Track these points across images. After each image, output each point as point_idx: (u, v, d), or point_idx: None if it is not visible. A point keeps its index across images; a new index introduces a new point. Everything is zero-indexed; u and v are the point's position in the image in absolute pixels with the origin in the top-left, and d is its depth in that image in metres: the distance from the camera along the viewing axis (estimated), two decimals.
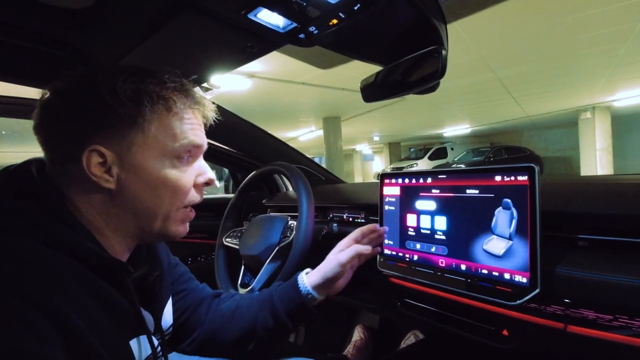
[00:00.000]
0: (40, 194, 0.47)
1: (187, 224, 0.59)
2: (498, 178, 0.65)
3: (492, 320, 0.69)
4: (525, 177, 0.61)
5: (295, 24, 0.57)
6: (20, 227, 0.42)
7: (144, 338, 0.54)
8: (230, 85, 4.66)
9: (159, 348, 0.58)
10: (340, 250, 0.76)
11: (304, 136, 10.93)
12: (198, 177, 0.56)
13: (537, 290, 0.57)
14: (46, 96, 0.49)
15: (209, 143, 0.61)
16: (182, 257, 1.64)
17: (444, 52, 0.61)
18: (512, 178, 0.63)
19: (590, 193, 0.70)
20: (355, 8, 0.52)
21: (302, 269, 0.76)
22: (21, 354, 0.33)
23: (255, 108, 6.41)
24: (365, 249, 0.76)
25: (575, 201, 0.66)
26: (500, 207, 0.64)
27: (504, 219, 0.63)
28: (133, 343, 0.52)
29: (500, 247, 0.63)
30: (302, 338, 1.52)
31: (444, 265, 0.73)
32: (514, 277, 0.60)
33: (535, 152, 11.96)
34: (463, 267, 0.69)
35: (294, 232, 0.86)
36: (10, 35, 0.70)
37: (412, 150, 16.39)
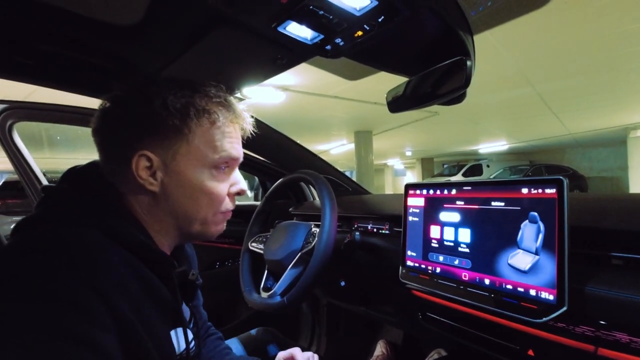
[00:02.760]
0: (102, 192, 0.53)
1: (224, 223, 0.63)
2: (525, 190, 0.63)
3: (518, 338, 0.66)
4: (553, 190, 0.59)
5: (321, 36, 0.59)
6: (85, 220, 0.48)
7: (180, 331, 0.58)
8: (265, 98, 4.81)
9: (194, 342, 0.61)
10: None
11: (335, 149, 10.99)
12: (232, 186, 0.61)
13: (565, 308, 0.54)
14: (106, 104, 0.55)
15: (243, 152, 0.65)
16: (211, 261, 1.70)
17: (469, 62, 0.61)
18: (540, 191, 0.61)
19: (626, 209, 0.66)
20: (380, 20, 0.54)
21: (323, 275, 0.77)
22: (77, 335, 0.36)
23: (288, 120, 6.54)
24: None
25: (608, 217, 0.63)
26: (527, 221, 0.62)
27: (530, 232, 0.61)
28: (172, 334, 0.56)
29: (526, 262, 0.61)
30: (324, 349, 1.51)
31: (467, 278, 0.71)
32: (540, 294, 0.58)
33: (579, 172, 11.27)
34: (487, 281, 0.67)
35: (316, 238, 0.87)
36: (70, 48, 0.78)
37: (445, 166, 15.98)
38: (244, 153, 0.67)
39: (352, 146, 8.59)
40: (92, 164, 0.57)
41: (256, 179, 2.23)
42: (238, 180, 0.62)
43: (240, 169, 0.66)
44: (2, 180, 5.71)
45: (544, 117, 7.01)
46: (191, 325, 0.64)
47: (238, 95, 1.09)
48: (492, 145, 11.95)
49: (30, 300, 0.36)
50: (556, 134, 9.29)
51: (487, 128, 8.39)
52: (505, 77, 4.35)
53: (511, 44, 3.29)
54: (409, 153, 14.48)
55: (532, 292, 0.59)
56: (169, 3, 0.61)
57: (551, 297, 0.56)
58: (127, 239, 0.49)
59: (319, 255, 0.82)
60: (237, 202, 0.65)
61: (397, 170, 20.03)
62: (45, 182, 1.53)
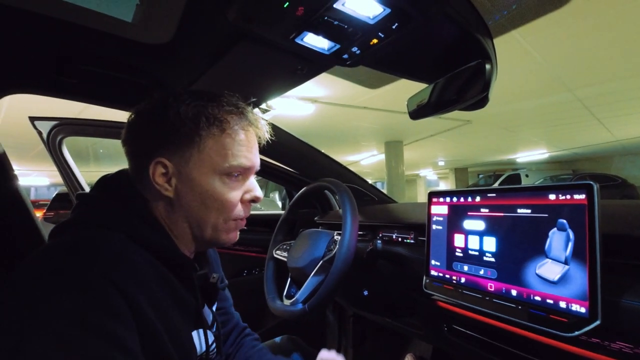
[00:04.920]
0: (128, 198, 0.56)
1: (238, 232, 0.63)
2: (552, 197, 0.60)
3: (548, 354, 0.62)
4: (582, 196, 0.56)
5: (338, 45, 0.61)
6: (112, 223, 0.52)
7: (201, 332, 0.60)
8: (294, 110, 4.90)
9: (214, 344, 0.63)
10: None
11: (365, 160, 10.94)
12: (246, 193, 0.61)
13: (598, 322, 0.51)
14: (132, 116, 0.59)
15: (265, 161, 0.66)
16: (238, 270, 1.74)
17: (488, 66, 0.60)
18: (568, 197, 0.58)
19: None
20: (394, 27, 0.55)
21: (345, 284, 0.77)
22: (98, 328, 0.39)
23: (318, 132, 6.61)
24: None
25: None
26: (555, 228, 0.59)
27: (559, 241, 0.58)
28: (194, 335, 0.58)
29: (555, 272, 0.58)
30: None
31: (493, 289, 0.68)
32: (571, 306, 0.55)
33: (629, 181, 10.42)
34: (514, 292, 0.64)
35: (337, 246, 0.87)
36: (109, 68, 0.85)
37: (480, 176, 15.40)
38: (267, 161, 0.69)
39: (382, 157, 8.50)
40: (120, 172, 0.61)
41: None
42: (252, 187, 0.61)
43: (264, 177, 0.68)
44: (55, 193, 6.19)
45: (587, 124, 6.61)
46: (214, 328, 0.66)
47: (263, 106, 1.12)
48: (530, 154, 11.38)
49: (61, 292, 0.40)
50: (601, 140, 8.71)
51: (525, 136, 8.02)
52: (541, 82, 4.16)
53: (545, 48, 3.15)
54: (441, 163, 14.11)
55: (562, 304, 0.56)
56: (196, 22, 0.65)
57: (583, 310, 0.53)
58: (149, 241, 0.52)
59: (339, 263, 0.82)
60: (265, 212, 0.65)
61: (430, 181, 19.56)
62: None
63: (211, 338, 0.62)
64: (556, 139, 8.64)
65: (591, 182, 0.55)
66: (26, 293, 0.40)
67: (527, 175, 12.64)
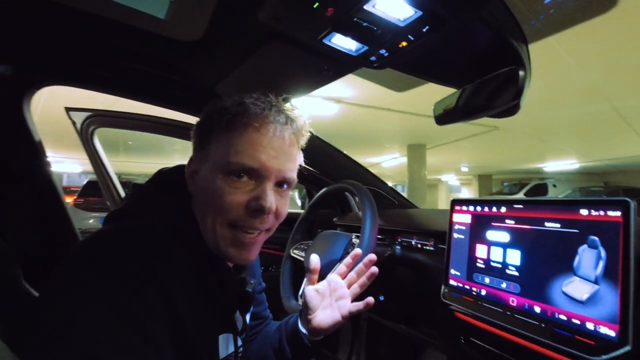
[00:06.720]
0: (176, 193, 0.57)
1: (244, 251, 0.55)
2: (584, 212, 0.57)
3: None
4: (618, 213, 0.53)
5: (366, 47, 0.60)
6: (159, 217, 0.53)
7: (230, 336, 0.60)
8: (319, 110, 4.91)
9: (241, 349, 0.64)
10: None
11: (386, 163, 10.83)
12: (252, 201, 0.52)
13: (628, 348, 0.48)
14: None
15: None
16: None
17: (521, 72, 0.58)
18: (602, 213, 0.55)
19: None
20: (424, 30, 0.53)
21: None
22: (130, 317, 0.40)
23: (341, 132, 6.60)
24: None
25: None
26: (585, 245, 0.56)
27: (589, 259, 0.55)
28: (221, 338, 0.58)
29: (584, 292, 0.55)
30: None
31: (515, 304, 0.65)
32: (599, 329, 0.52)
33: None
34: (537, 309, 0.61)
35: (355, 249, 0.86)
36: (141, 62, 0.88)
37: (505, 184, 14.94)
38: None
39: (404, 160, 8.40)
40: (177, 167, 0.62)
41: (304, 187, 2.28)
42: (261, 195, 0.52)
43: None
44: (86, 180, 6.46)
45: (622, 135, 6.30)
46: (243, 335, 0.66)
47: (288, 105, 1.13)
48: (560, 164, 10.94)
49: (104, 278, 0.42)
50: (637, 152, 8.27)
51: (555, 145, 7.72)
52: (576, 90, 3.99)
53: (582, 55, 3.02)
54: (464, 169, 13.79)
55: (590, 326, 0.53)
56: (227, 21, 0.66)
57: (612, 333, 0.50)
58: (188, 238, 0.53)
59: (356, 266, 0.81)
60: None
61: (452, 187, 19.16)
62: (117, 182, 1.71)
63: (239, 342, 0.62)
64: (588, 149, 8.27)
65: (627, 199, 0.52)
66: (72, 277, 0.42)
67: (554, 186, 12.16)
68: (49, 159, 0.98)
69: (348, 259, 0.74)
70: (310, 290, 0.68)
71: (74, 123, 1.41)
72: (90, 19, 0.66)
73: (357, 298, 0.71)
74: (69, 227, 1.03)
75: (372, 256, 0.72)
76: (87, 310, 0.39)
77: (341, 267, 0.73)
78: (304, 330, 0.69)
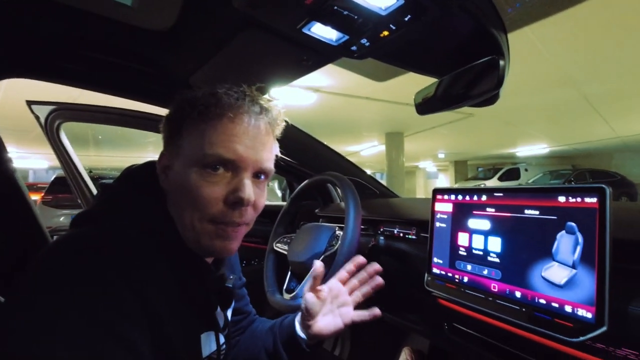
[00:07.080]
0: (147, 192, 0.54)
1: (229, 242, 0.53)
2: (562, 199, 0.59)
3: (550, 357, 0.61)
4: (594, 199, 0.54)
5: (346, 37, 0.59)
6: (130, 217, 0.50)
7: (211, 334, 0.58)
8: (296, 100, 4.86)
9: (224, 346, 0.62)
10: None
11: (365, 151, 10.91)
12: (231, 194, 0.51)
13: (604, 329, 0.50)
14: None
15: None
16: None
17: (501, 62, 0.58)
18: (579, 199, 0.56)
19: None
20: (406, 19, 0.52)
21: None
22: (106, 326, 0.38)
23: (319, 122, 6.58)
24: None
25: None
26: (563, 231, 0.57)
27: (567, 244, 0.57)
28: (203, 337, 0.57)
29: (562, 276, 0.56)
30: (347, 353, 1.49)
31: (496, 290, 0.67)
32: (577, 311, 0.54)
33: (628, 178, 10.40)
34: (518, 294, 0.63)
35: (339, 242, 0.86)
36: (109, 54, 0.82)
37: (480, 169, 15.40)
38: None
39: (382, 148, 8.48)
40: (147, 164, 0.59)
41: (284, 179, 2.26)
42: (239, 187, 0.51)
43: None
44: (54, 177, 6.17)
45: (589, 119, 6.59)
46: (225, 331, 0.64)
47: (266, 96, 1.10)
48: (531, 149, 11.38)
49: (77, 286, 0.39)
50: (603, 137, 8.70)
51: (527, 130, 8.00)
52: (546, 77, 4.13)
53: (553, 43, 3.11)
54: (441, 155, 14.11)
55: (568, 309, 0.55)
56: (199, 8, 0.63)
57: (589, 315, 0.52)
58: (165, 237, 0.51)
59: (340, 259, 0.81)
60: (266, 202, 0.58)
61: (429, 173, 19.57)
62: (87, 178, 1.63)
63: (222, 340, 0.61)
64: (557, 134, 8.63)
65: (604, 186, 0.53)
66: (43, 284, 0.39)
67: (526, 170, 12.65)
68: (9, 155, 0.91)
69: (350, 266, 0.73)
70: (311, 295, 0.67)
71: (37, 117, 1.33)
72: (52, 6, 0.61)
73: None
74: (36, 226, 0.97)
75: (377, 266, 0.73)
76: (60, 319, 0.36)
77: (342, 273, 0.73)
78: (302, 335, 0.68)
